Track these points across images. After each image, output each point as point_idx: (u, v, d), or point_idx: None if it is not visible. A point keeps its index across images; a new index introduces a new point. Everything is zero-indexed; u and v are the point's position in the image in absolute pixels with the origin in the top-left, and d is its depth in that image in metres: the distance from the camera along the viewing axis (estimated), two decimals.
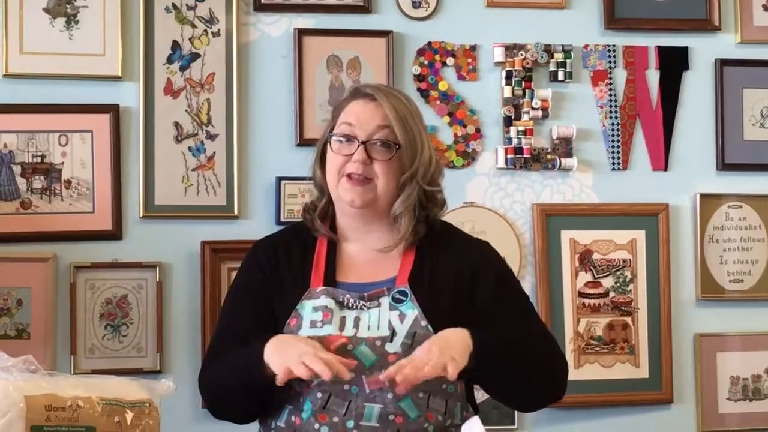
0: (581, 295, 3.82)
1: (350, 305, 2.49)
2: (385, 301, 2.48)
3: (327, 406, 2.41)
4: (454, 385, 2.47)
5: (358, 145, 2.50)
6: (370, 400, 2.40)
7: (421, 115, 2.62)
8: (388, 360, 2.41)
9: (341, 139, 2.53)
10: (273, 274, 2.57)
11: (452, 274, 2.54)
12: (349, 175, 2.50)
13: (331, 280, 2.53)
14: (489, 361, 2.40)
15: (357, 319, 2.46)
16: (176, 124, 3.64)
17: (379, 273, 2.55)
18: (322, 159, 2.61)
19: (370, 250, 2.57)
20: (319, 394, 2.41)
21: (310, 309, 2.48)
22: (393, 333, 2.44)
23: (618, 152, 3.89)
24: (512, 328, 2.50)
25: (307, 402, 2.42)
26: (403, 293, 2.49)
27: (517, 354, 2.46)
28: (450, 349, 2.34)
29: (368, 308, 2.48)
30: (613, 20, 3.91)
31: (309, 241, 2.61)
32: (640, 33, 3.94)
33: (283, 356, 2.35)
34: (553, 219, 3.82)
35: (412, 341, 2.43)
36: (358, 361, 2.41)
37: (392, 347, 2.43)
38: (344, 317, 2.47)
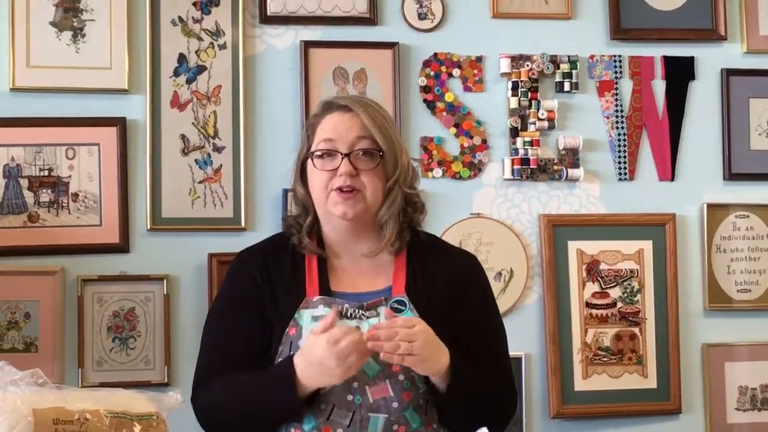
0: (589, 305, 3.82)
1: (349, 315, 2.48)
2: (383, 310, 2.48)
3: (330, 417, 2.41)
4: None
5: (342, 158, 2.50)
6: (374, 410, 2.40)
7: (393, 120, 2.65)
8: (392, 369, 2.42)
9: (323, 154, 2.53)
10: (265, 284, 2.55)
11: (446, 282, 2.55)
12: (338, 189, 2.50)
13: (326, 289, 2.53)
14: (456, 390, 2.42)
15: (357, 330, 2.46)
16: (183, 136, 3.64)
17: (373, 283, 2.55)
18: (302, 176, 2.60)
19: (360, 261, 2.57)
20: (323, 406, 2.41)
21: (309, 319, 2.47)
22: None
23: (625, 162, 3.89)
24: (486, 358, 2.54)
25: (308, 414, 2.43)
26: (402, 303, 2.49)
27: (481, 395, 2.48)
28: (429, 352, 2.37)
29: (367, 318, 2.48)
30: (618, 30, 3.91)
31: (297, 252, 2.59)
32: (646, 43, 3.94)
33: (325, 376, 2.37)
34: (560, 230, 3.82)
35: None
36: (362, 371, 2.42)
37: None
38: None
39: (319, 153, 2.52)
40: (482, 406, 2.47)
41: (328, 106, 2.59)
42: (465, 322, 2.53)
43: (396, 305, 2.49)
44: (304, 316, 2.48)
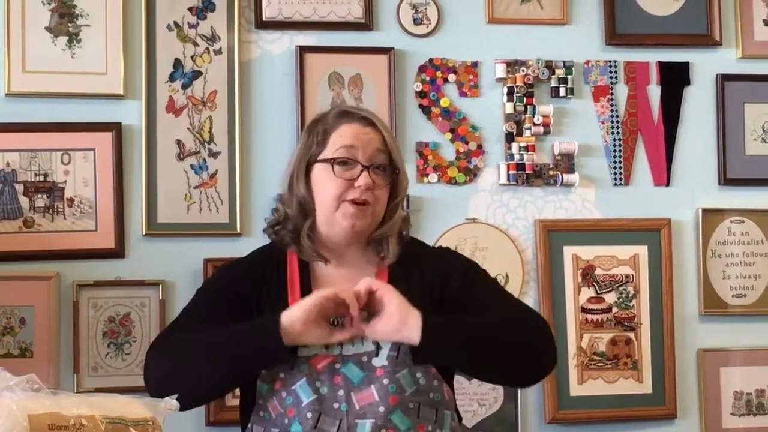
0: (584, 310, 3.82)
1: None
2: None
3: (318, 425, 2.40)
4: (440, 393, 2.49)
5: (362, 170, 2.50)
6: (360, 417, 2.40)
7: None
8: (376, 374, 2.42)
9: (344, 161, 2.53)
10: (250, 295, 2.55)
11: (426, 286, 2.56)
12: (352, 201, 2.50)
13: None
14: (440, 340, 2.39)
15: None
16: (178, 141, 3.64)
17: None
18: (305, 178, 2.59)
19: (344, 270, 2.58)
20: (309, 415, 2.40)
21: None
22: (378, 347, 2.45)
23: (620, 168, 3.89)
24: (483, 312, 2.51)
25: (296, 423, 2.41)
26: None
27: (478, 334, 2.45)
28: (402, 323, 2.38)
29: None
30: (614, 36, 3.91)
31: (281, 262, 2.60)
32: (641, 48, 3.95)
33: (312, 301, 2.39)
34: (555, 235, 3.82)
35: (398, 353, 2.44)
36: (347, 378, 2.42)
37: (379, 361, 2.44)
38: None
39: (341, 160, 2.52)
40: (493, 342, 2.45)
41: (346, 115, 2.60)
42: (450, 306, 2.53)
43: None
44: None
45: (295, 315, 2.37)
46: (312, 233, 2.58)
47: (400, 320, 2.38)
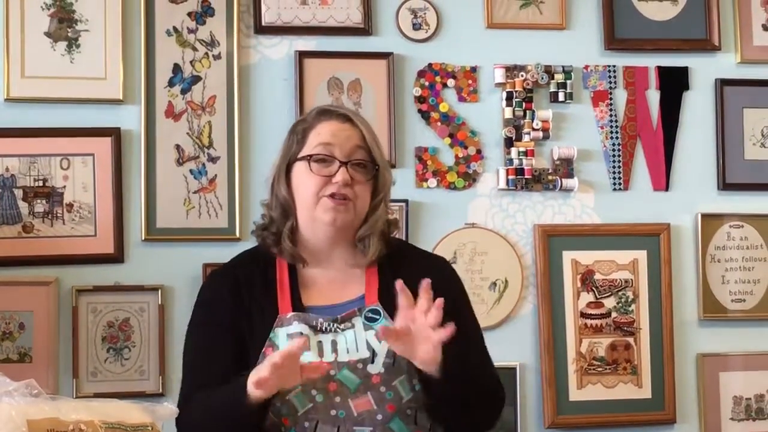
0: (583, 315, 3.81)
1: (324, 329, 2.46)
2: (358, 321, 2.47)
3: None
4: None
5: (339, 166, 2.50)
6: (359, 424, 2.39)
7: None
8: (372, 381, 2.41)
9: (321, 159, 2.52)
10: (238, 304, 2.54)
11: (416, 285, 2.53)
12: (331, 195, 2.50)
13: (298, 304, 2.51)
14: (450, 376, 2.37)
15: (334, 343, 2.45)
16: (178, 146, 3.64)
17: (345, 293, 2.54)
18: (286, 179, 2.58)
19: (332, 271, 2.57)
20: (306, 424, 2.40)
21: (284, 337, 2.45)
22: (373, 353, 2.44)
23: (619, 172, 3.89)
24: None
25: (292, 429, 2.41)
26: (376, 312, 2.48)
27: (469, 380, 2.44)
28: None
29: (342, 330, 2.47)
30: (613, 41, 3.91)
31: (269, 266, 2.59)
32: (640, 53, 3.95)
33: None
34: (554, 239, 3.82)
35: (394, 359, 2.43)
36: (343, 385, 2.41)
37: (374, 368, 2.43)
38: (321, 342, 2.45)
39: (318, 157, 2.52)
40: (474, 394, 2.45)
41: (326, 113, 2.60)
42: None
43: (370, 314, 2.49)
44: (279, 334, 2.47)
45: (254, 385, 2.31)
46: (293, 235, 2.57)
47: (436, 355, 2.34)
